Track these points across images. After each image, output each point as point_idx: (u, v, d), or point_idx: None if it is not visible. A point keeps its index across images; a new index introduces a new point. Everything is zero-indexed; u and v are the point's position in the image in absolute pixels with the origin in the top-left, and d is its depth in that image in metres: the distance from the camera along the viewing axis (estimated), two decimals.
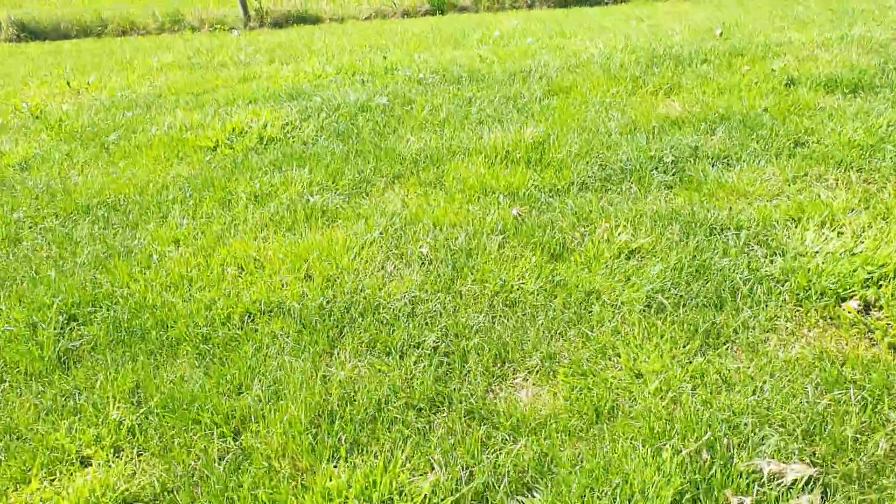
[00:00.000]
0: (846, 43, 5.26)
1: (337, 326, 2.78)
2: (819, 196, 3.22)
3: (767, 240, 2.95)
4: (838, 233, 2.95)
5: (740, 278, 2.73)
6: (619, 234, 3.12)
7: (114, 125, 5.30)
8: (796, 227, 3.04)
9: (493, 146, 4.10)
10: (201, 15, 13.37)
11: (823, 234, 2.95)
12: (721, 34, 6.06)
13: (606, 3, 14.01)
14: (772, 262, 2.81)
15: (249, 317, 2.89)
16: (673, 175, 3.59)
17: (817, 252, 2.84)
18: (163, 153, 4.62)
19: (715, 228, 3.06)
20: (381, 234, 3.37)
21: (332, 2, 14.85)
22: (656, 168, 3.65)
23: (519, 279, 2.94)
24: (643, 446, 2.08)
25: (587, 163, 3.80)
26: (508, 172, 3.80)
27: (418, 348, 2.62)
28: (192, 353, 2.73)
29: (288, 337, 2.74)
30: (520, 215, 3.42)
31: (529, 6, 13.91)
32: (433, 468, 2.12)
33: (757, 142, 3.81)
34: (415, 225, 3.45)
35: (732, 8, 9.98)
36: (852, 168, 3.45)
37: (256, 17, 13.19)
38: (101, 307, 3.05)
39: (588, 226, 3.24)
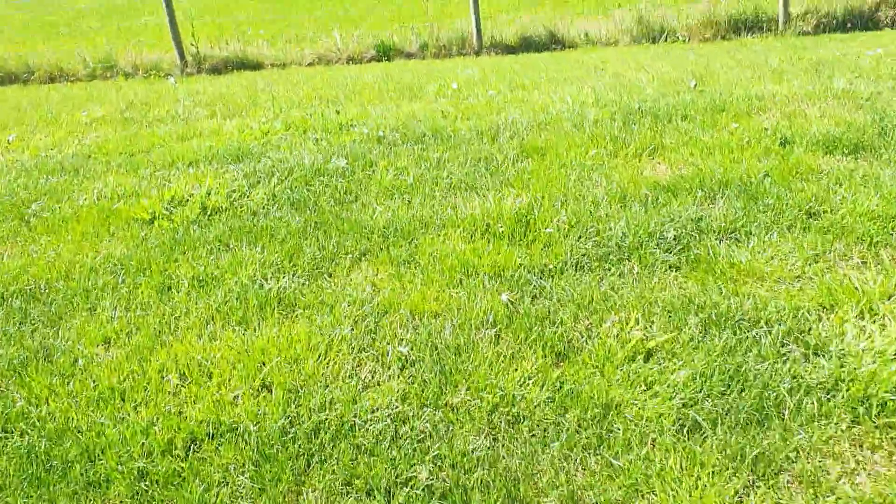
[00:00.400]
0: (832, 97, 5.04)
1: (304, 455, 2.32)
2: (849, 279, 2.88)
3: (804, 336, 2.59)
4: (881, 326, 2.61)
5: (784, 388, 2.35)
6: (630, 328, 2.73)
7: (36, 193, 4.75)
8: (829, 317, 2.69)
9: (471, 218, 3.69)
10: (135, 60, 12.81)
11: (864, 327, 2.61)
12: (695, 86, 5.82)
13: (554, 49, 13.91)
14: (815, 365, 2.45)
15: (195, 444, 2.41)
16: (678, 254, 3.23)
17: (863, 350, 2.48)
18: (92, 227, 4.09)
19: (742, 322, 2.69)
20: (351, 328, 2.92)
21: (273, 47, 14.44)
22: (658, 246, 3.29)
23: (521, 387, 2.52)
24: None
25: (579, 238, 3.42)
26: (492, 249, 3.39)
27: (407, 486, 2.17)
28: (125, 495, 2.23)
29: (244, 472, 2.27)
30: (511, 302, 3.02)
31: (477, 53, 13.72)
32: None
33: (764, 212, 3.48)
34: (390, 315, 3.02)
35: (685, 56, 9.88)
36: (877, 244, 3.14)
37: (194, 63, 12.70)
38: (12, 432, 2.53)
39: (592, 317, 2.84)
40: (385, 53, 13.64)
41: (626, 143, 4.57)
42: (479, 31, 13.46)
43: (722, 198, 3.70)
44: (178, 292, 3.35)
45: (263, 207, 4.19)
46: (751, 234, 3.34)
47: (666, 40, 13.30)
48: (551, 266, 3.23)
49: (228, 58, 13.25)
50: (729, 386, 2.40)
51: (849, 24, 12.97)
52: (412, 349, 2.76)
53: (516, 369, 2.60)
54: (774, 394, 2.34)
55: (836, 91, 5.16)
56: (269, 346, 2.86)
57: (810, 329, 2.63)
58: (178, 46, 12.55)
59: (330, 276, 3.40)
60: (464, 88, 6.92)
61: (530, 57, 12.51)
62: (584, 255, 3.28)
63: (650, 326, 2.74)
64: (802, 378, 2.40)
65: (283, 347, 2.83)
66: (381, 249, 3.56)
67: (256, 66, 13.33)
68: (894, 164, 3.88)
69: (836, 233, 3.25)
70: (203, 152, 5.24)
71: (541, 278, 3.16)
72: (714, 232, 3.37)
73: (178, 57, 12.54)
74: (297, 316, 3.08)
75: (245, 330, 3.01)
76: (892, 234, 3.19)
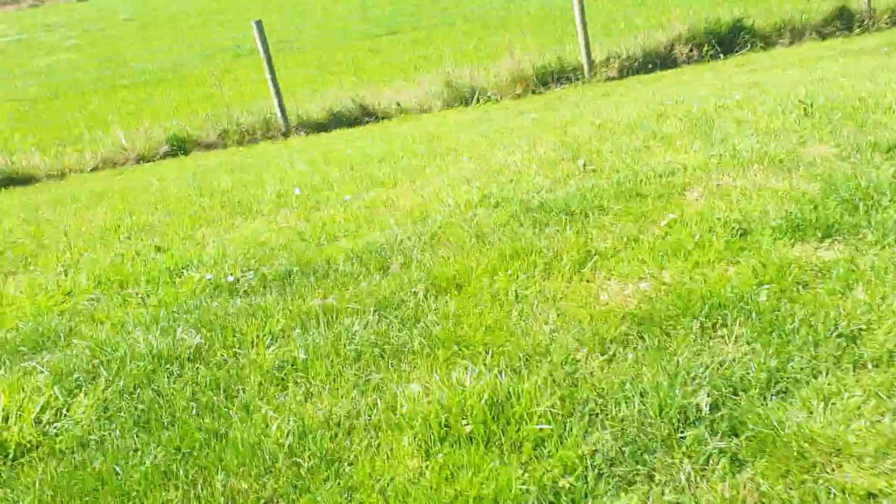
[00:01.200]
0: (753, 161, 4.45)
1: None
2: None
3: None
4: None
5: None
6: None
7: None
8: None
9: (416, 412, 2.62)
10: None
11: None
12: (585, 165, 5.11)
13: (367, 122, 13.13)
14: None
15: None
16: (729, 433, 2.36)
17: None
18: None
19: None
20: None
21: (46, 154, 12.54)
22: (697, 422, 2.39)
23: None
24: None
25: (587, 429, 2.45)
26: (469, 466, 2.35)
27: None
28: None
29: None
30: None
31: (285, 134, 12.66)
32: None
33: (794, 345, 2.70)
34: None
35: (519, 119, 9.38)
36: None
37: None
38: None
39: None
40: (181, 147, 12.21)
41: (556, 256, 3.69)
42: (283, 111, 12.43)
43: (725, 328, 2.88)
44: None
45: (95, 432, 2.89)
46: (798, 381, 2.53)
47: (478, 101, 12.93)
48: (569, 485, 2.24)
49: None
50: None
51: (650, 65, 13.22)
52: None
53: None
54: None
55: (748, 154, 4.60)
56: None
57: None
58: None
59: None
60: (309, 193, 5.81)
61: (347, 134, 11.62)
62: (606, 459, 2.32)
63: None
64: None
65: None
66: (297, 490, 2.41)
67: (28, 181, 11.42)
68: (883, 246, 3.26)
69: None
70: None
71: None
72: (753, 387, 2.53)
73: None
74: None
75: None
76: None
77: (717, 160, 4.62)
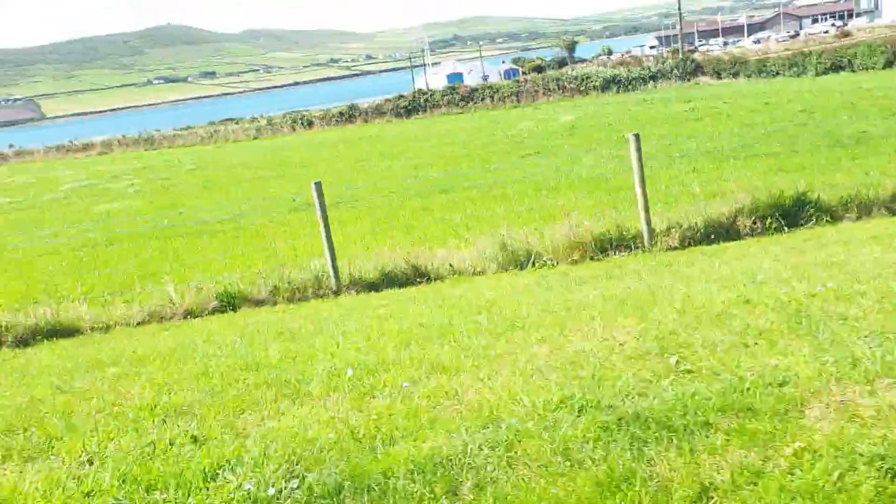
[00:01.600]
0: (874, 375, 3.82)
1: None
2: None
3: None
4: None
5: None
6: None
7: None
8: None
9: None
10: None
11: None
12: (677, 363, 4.52)
13: (419, 283, 12.78)
14: None
15: None
16: None
17: None
18: None
19: None
20: None
21: (93, 305, 12.32)
22: None
23: None
24: None
25: None
26: None
27: None
28: None
29: None
30: None
31: (336, 293, 12.34)
32: None
33: None
34: None
35: (581, 290, 8.89)
36: None
37: None
38: None
39: None
40: (230, 303, 11.90)
41: (663, 489, 3.05)
42: (335, 269, 12.15)
43: None
44: None
45: None
46: None
47: (534, 265, 12.54)
48: None
49: (38, 326, 11.02)
50: None
51: (711, 236, 12.79)
52: None
53: None
54: None
55: (872, 365, 3.97)
56: None
57: None
58: None
59: None
60: (363, 375, 5.28)
61: (398, 294, 11.21)
62: None
63: None
64: None
65: None
66: None
67: (73, 332, 11.13)
68: None
69: None
70: None
71: None
72: None
73: None
74: None
75: None
76: None
77: (833, 369, 4.00)
